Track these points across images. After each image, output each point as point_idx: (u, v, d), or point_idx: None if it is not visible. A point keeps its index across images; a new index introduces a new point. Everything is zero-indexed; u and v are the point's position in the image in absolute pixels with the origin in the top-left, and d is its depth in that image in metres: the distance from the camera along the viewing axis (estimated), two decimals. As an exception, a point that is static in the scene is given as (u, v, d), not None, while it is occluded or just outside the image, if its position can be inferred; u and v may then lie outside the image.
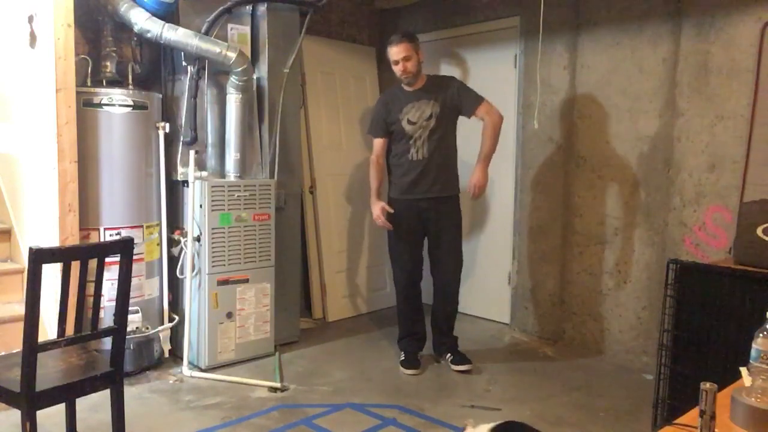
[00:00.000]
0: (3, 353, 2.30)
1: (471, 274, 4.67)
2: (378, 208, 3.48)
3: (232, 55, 3.38)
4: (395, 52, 3.40)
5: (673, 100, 3.45)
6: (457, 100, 3.48)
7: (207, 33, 3.45)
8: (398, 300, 3.68)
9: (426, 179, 3.46)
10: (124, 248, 2.18)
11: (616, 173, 3.71)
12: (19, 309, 2.90)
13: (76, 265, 2.09)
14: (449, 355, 3.59)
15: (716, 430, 1.32)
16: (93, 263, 2.13)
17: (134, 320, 3.25)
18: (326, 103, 4.55)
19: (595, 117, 3.79)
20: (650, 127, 3.55)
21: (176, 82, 3.56)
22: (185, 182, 3.46)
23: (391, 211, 3.48)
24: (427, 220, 3.51)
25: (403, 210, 3.51)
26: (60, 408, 2.30)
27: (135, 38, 3.48)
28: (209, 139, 3.58)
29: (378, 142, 3.60)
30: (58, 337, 2.18)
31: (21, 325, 1.94)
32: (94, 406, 2.86)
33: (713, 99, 3.29)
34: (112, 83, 3.37)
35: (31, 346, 1.93)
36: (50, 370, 2.15)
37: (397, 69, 3.44)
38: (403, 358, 3.57)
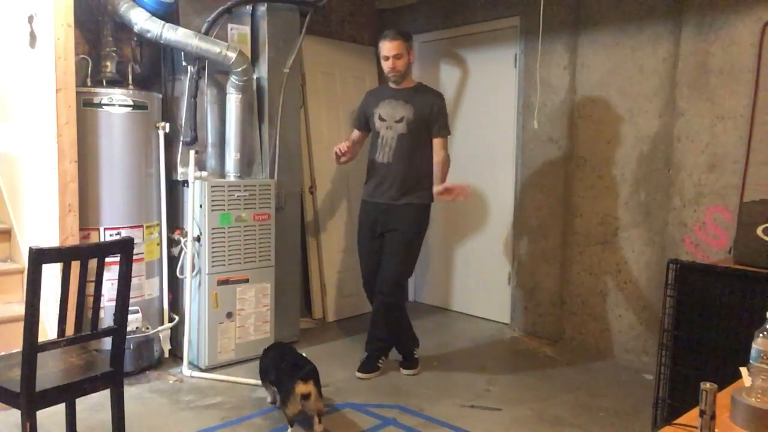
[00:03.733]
0: (3, 353, 2.30)
1: (471, 274, 4.68)
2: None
3: (232, 55, 3.38)
4: (388, 47, 3.35)
5: (673, 100, 3.45)
6: (431, 116, 3.38)
7: (207, 33, 3.45)
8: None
9: (385, 184, 3.41)
10: (124, 248, 2.18)
11: (616, 173, 3.71)
12: (19, 309, 2.89)
13: (76, 265, 2.09)
14: (382, 359, 3.57)
15: (716, 430, 1.32)
16: (93, 263, 2.13)
17: (134, 320, 3.25)
18: (326, 103, 4.55)
19: (595, 117, 3.79)
20: (650, 127, 3.55)
21: (176, 82, 3.56)
22: (185, 182, 3.46)
23: (348, 145, 3.51)
24: (381, 224, 3.46)
25: (367, 212, 3.52)
26: (60, 408, 2.30)
27: (135, 38, 3.48)
28: (209, 139, 3.58)
29: (354, 133, 3.65)
30: (58, 337, 2.18)
31: (21, 325, 1.94)
32: (94, 406, 2.86)
33: (713, 99, 3.29)
34: (112, 83, 3.37)
35: (31, 346, 1.93)
36: (50, 370, 2.15)
37: (386, 65, 3.40)
38: (363, 359, 3.55)
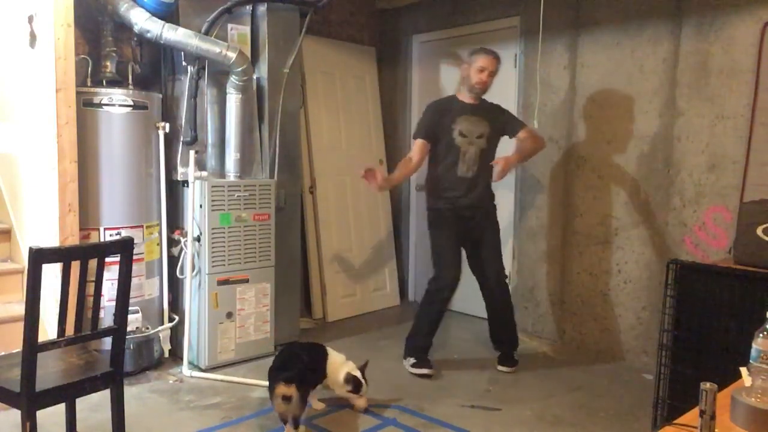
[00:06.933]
0: (3, 353, 2.30)
1: (471, 274, 4.66)
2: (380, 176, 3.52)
3: (232, 55, 3.38)
4: (489, 62, 3.44)
5: (673, 100, 3.45)
6: (506, 126, 3.59)
7: (207, 33, 3.45)
8: (432, 305, 3.60)
9: (473, 193, 3.54)
10: (124, 248, 2.18)
11: (616, 173, 3.71)
12: (19, 309, 2.89)
13: (76, 265, 2.09)
14: (500, 354, 3.71)
15: (716, 430, 1.32)
16: (93, 263, 2.13)
17: (134, 320, 3.25)
18: (326, 103, 4.55)
19: (595, 117, 3.79)
20: (650, 127, 3.55)
21: (176, 82, 3.56)
22: (185, 182, 3.46)
23: (385, 176, 3.72)
24: (472, 229, 3.59)
25: (462, 218, 3.57)
26: (60, 408, 2.29)
27: (135, 38, 3.48)
28: (209, 139, 3.58)
29: (420, 144, 3.53)
30: (58, 337, 2.17)
31: (21, 325, 1.94)
32: (94, 406, 2.86)
33: (713, 99, 3.29)
34: (112, 83, 3.37)
35: (31, 346, 1.93)
36: (50, 370, 2.15)
37: (478, 77, 3.43)
38: (414, 361, 3.53)
